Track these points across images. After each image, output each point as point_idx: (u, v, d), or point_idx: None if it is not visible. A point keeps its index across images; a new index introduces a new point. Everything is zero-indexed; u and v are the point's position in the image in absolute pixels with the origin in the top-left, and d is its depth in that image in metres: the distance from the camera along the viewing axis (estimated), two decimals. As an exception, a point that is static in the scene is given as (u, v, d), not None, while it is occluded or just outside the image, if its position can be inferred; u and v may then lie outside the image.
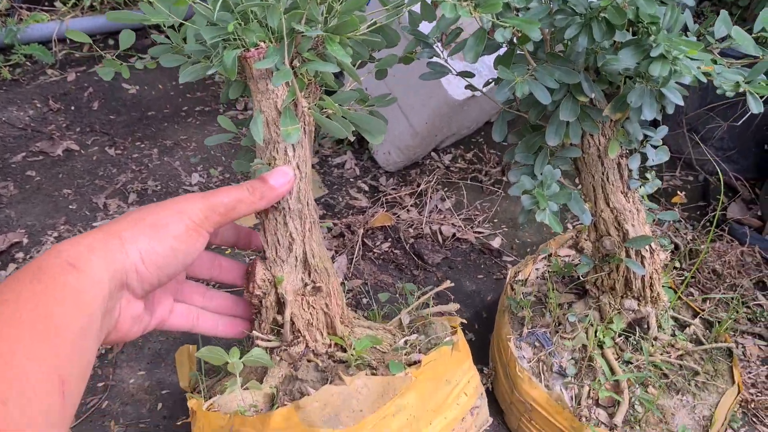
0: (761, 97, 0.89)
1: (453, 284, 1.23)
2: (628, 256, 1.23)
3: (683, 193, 2.09)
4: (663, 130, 1.19)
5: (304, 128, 0.84)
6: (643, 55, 0.86)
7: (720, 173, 1.69)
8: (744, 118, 1.93)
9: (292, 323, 0.90)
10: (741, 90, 0.90)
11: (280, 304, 0.90)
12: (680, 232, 1.88)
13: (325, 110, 0.85)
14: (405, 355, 0.98)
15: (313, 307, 0.91)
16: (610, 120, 1.12)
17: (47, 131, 2.07)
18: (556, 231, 0.94)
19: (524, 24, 0.84)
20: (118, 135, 2.10)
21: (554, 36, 1.04)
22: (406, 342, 1.02)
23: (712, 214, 1.99)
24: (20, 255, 1.65)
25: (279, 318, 0.90)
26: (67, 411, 0.49)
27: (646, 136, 1.17)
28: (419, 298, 1.15)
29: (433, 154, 2.16)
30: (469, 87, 1.15)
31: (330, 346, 0.94)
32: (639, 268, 1.22)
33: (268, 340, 0.91)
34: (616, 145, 1.13)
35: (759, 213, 2.03)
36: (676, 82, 0.93)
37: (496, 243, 1.86)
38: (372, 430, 0.86)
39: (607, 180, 1.18)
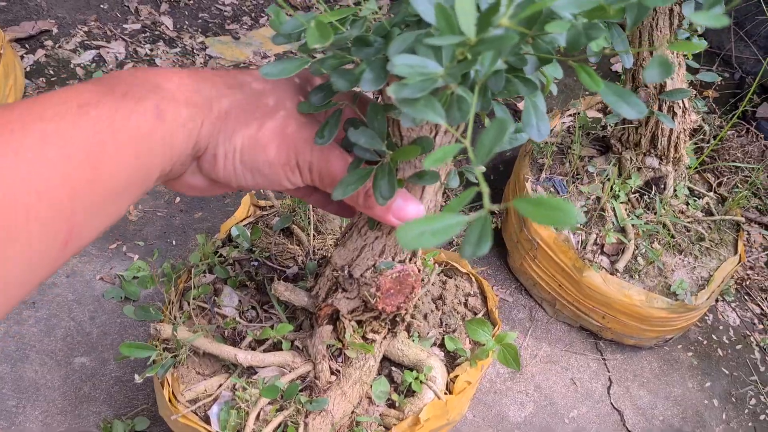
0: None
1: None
2: (660, 109, 1.23)
3: (717, 86, 2.05)
4: (723, -20, 1.15)
5: None
6: None
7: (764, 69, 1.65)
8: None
9: None
10: None
11: None
12: (708, 120, 1.87)
13: None
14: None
15: None
16: (672, -41, 1.08)
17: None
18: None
19: None
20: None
21: None
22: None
23: (742, 109, 1.97)
24: (49, 43, 1.64)
25: None
26: (65, 258, 0.40)
27: (704, -17, 1.13)
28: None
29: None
30: None
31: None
32: (670, 121, 1.22)
33: None
34: (673, -13, 1.10)
35: (789, 115, 2.01)
36: None
37: (522, 105, 1.85)
38: None
39: (656, 26, 1.16)
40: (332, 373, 0.80)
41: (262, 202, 1.00)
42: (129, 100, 0.42)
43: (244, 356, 0.80)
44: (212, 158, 0.48)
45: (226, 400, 0.80)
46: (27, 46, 1.62)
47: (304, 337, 0.82)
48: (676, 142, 1.29)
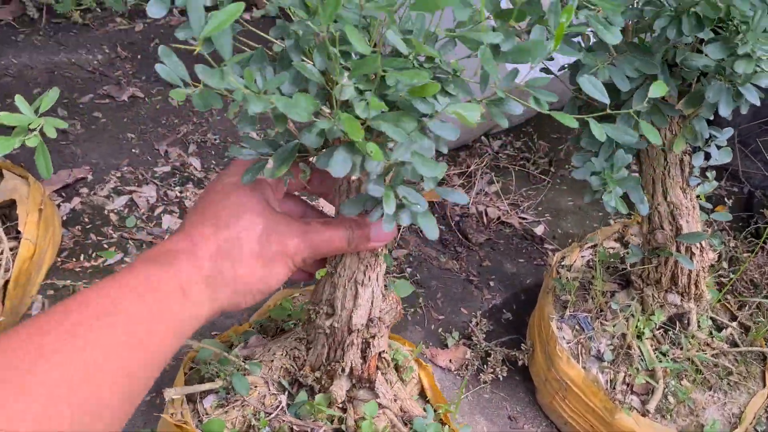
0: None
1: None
2: (678, 250, 1.27)
3: (729, 202, 2.10)
4: (728, 131, 1.22)
5: None
6: (728, 52, 0.90)
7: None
8: (798, 135, 1.94)
9: None
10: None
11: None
12: (722, 240, 1.90)
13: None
14: None
15: None
16: (679, 116, 1.15)
17: (114, 76, 2.13)
18: (621, 213, 0.98)
19: (608, 6, 0.87)
20: (181, 87, 2.16)
21: (635, 27, 1.07)
22: None
23: (754, 226, 2.01)
24: (84, 190, 1.72)
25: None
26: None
27: (711, 135, 1.20)
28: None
29: (483, 138, 2.19)
30: (545, 70, 1.18)
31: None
32: (689, 263, 1.25)
33: None
34: (682, 141, 1.17)
35: (802, 230, 2.05)
36: (753, 84, 0.97)
37: (539, 230, 1.90)
38: None
39: (668, 174, 1.22)
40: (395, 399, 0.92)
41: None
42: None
43: None
44: (236, 305, 0.62)
45: None
46: (63, 194, 1.70)
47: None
48: (696, 280, 1.32)
